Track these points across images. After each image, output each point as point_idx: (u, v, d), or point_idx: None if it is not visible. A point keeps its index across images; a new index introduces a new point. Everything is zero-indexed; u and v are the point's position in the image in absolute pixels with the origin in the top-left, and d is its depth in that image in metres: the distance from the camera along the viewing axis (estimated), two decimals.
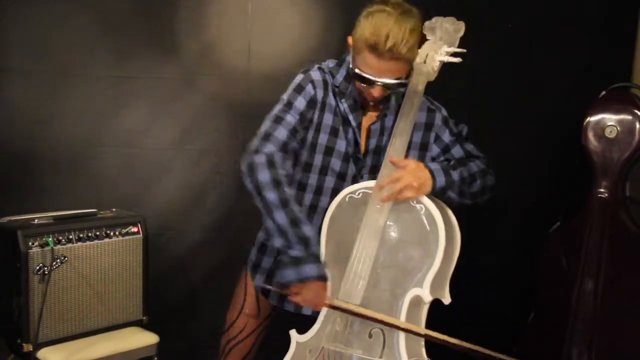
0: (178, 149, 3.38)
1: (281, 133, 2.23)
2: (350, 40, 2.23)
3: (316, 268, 2.14)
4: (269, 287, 2.36)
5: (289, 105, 2.27)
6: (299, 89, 2.29)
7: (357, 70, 2.18)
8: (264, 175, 2.16)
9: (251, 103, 3.32)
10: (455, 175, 2.26)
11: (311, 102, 2.29)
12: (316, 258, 2.15)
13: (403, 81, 2.21)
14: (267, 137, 2.23)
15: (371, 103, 2.30)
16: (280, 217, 2.14)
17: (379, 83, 2.17)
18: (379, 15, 2.12)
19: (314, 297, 2.18)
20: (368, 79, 2.17)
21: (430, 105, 2.39)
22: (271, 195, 2.15)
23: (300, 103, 2.27)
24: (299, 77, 2.32)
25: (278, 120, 2.26)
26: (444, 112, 2.41)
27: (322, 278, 2.16)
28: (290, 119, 2.26)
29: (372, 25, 2.11)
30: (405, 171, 2.19)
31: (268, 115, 2.28)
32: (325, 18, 3.30)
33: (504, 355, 2.22)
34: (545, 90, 3.22)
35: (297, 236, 2.14)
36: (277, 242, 2.17)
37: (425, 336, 2.19)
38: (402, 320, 2.15)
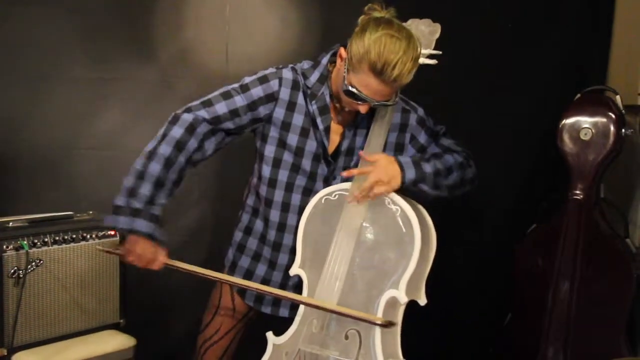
0: None
1: (221, 108, 2.24)
2: (344, 53, 2.18)
3: (148, 226, 2.13)
4: (111, 250, 2.35)
5: (244, 88, 2.27)
6: (263, 79, 2.28)
7: (352, 89, 2.13)
8: (176, 132, 2.18)
9: None
10: (427, 167, 2.24)
11: (268, 97, 2.27)
12: (154, 218, 2.14)
13: (393, 101, 2.21)
14: (207, 103, 2.25)
15: (346, 108, 2.30)
16: (154, 170, 2.15)
17: (373, 103, 2.16)
18: (388, 40, 2.05)
19: (143, 254, 2.17)
20: (363, 99, 2.14)
21: (405, 106, 2.38)
22: (165, 149, 2.17)
23: (257, 93, 2.26)
24: (269, 70, 2.31)
25: (226, 96, 2.26)
26: (421, 113, 2.40)
27: (152, 237, 2.15)
28: (239, 101, 2.25)
29: (380, 49, 2.05)
30: (374, 167, 2.19)
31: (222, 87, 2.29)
32: (303, 20, 3.30)
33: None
34: (522, 93, 3.24)
35: (150, 194, 2.14)
36: (128, 181, 2.16)
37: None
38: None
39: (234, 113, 2.25)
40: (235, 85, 2.29)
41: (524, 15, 3.23)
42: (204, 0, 3.36)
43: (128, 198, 2.14)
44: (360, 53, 2.09)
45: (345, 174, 2.25)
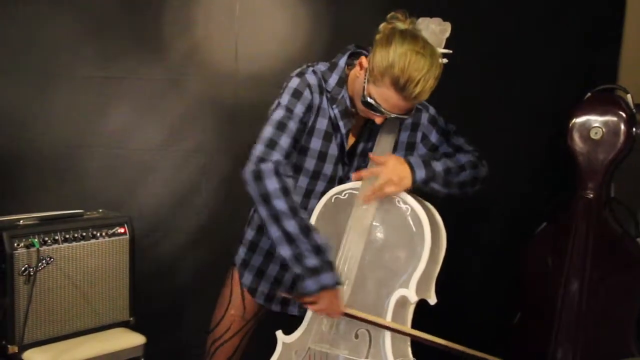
0: (165, 150, 3.37)
1: (285, 141, 2.18)
2: (365, 62, 2.16)
3: (333, 276, 2.10)
4: (289, 296, 2.31)
5: (289, 111, 2.21)
6: (297, 94, 2.23)
7: (370, 101, 2.13)
8: (272, 184, 2.11)
9: (238, 104, 3.32)
10: (438, 166, 2.24)
11: (309, 108, 2.24)
12: (331, 265, 2.11)
13: (410, 115, 2.21)
14: (272, 144, 2.17)
15: (361, 113, 2.28)
16: (292, 225, 2.09)
17: (389, 115, 2.16)
18: (414, 57, 2.04)
19: (330, 304, 2.14)
20: (380, 111, 2.14)
21: (417, 105, 2.36)
22: (281, 204, 2.09)
23: (300, 109, 2.22)
24: (295, 82, 2.25)
25: (281, 127, 2.19)
26: (432, 112, 2.39)
27: (339, 284, 2.13)
28: (293, 126, 2.20)
29: (405, 64, 2.03)
30: (384, 167, 2.18)
31: (268, 119, 2.22)
32: (312, 19, 3.30)
33: (490, 356, 2.23)
34: (532, 91, 3.23)
35: (310, 245, 2.09)
36: (285, 251, 2.10)
37: (416, 337, 2.20)
38: (387, 320, 2.16)
39: (295, 140, 2.22)
40: (280, 112, 2.21)
41: (530, 13, 3.22)
42: None
43: (300, 262, 2.09)
44: (383, 66, 2.07)
45: (354, 176, 2.25)
